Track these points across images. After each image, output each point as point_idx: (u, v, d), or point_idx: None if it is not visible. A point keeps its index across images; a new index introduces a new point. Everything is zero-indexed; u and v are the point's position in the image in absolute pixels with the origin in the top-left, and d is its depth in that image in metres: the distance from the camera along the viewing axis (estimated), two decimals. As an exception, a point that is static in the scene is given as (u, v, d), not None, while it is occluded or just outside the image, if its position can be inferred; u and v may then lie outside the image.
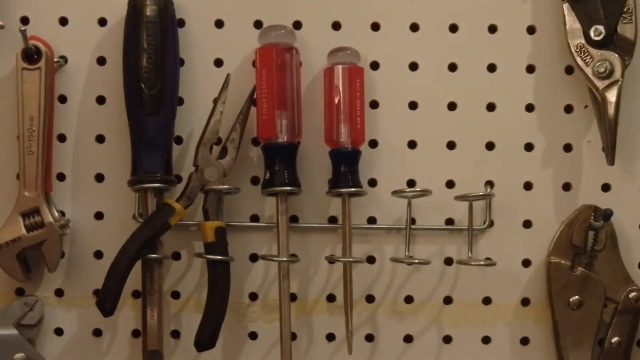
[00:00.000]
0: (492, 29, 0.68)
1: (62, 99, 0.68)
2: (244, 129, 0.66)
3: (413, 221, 0.68)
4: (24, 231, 0.66)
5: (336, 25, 0.68)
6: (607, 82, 0.65)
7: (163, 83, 0.65)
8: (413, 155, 0.69)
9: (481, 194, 0.68)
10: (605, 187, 0.69)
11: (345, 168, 0.66)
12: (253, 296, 0.70)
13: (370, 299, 0.70)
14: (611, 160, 0.66)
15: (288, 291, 0.67)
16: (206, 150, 0.66)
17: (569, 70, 0.68)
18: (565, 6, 0.66)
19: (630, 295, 0.67)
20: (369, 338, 0.70)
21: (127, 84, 0.65)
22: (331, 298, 0.70)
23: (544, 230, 0.69)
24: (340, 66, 0.66)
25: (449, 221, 0.69)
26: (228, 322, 0.67)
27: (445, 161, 0.69)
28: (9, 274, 0.66)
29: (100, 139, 0.69)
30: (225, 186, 0.66)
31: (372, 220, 0.69)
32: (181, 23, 0.68)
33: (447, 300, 0.70)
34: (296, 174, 0.66)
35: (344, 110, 0.66)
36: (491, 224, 0.69)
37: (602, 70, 0.65)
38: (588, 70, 0.65)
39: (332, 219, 0.69)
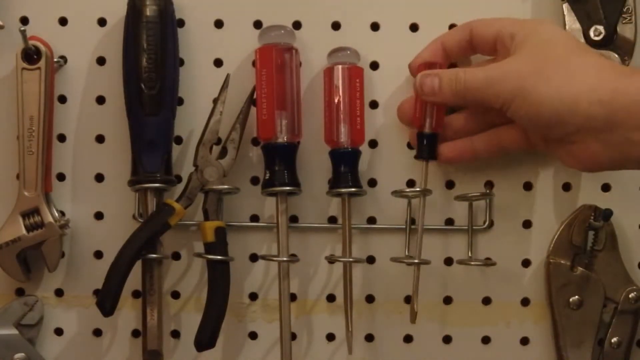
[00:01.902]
0: (492, 29, 0.68)
1: (62, 99, 0.68)
2: (244, 129, 0.66)
3: (413, 221, 0.68)
4: (24, 231, 0.66)
5: (336, 25, 0.68)
6: (607, 82, 0.65)
7: (163, 83, 0.65)
8: (413, 155, 0.68)
9: (481, 193, 0.68)
10: (605, 187, 0.69)
11: (345, 168, 0.66)
12: (253, 296, 0.70)
13: (370, 299, 0.70)
14: (611, 160, 0.66)
15: (288, 291, 0.67)
16: (206, 150, 0.66)
17: (569, 70, 0.68)
18: (565, 6, 0.66)
19: (630, 295, 0.67)
20: (369, 338, 0.70)
21: (127, 84, 0.65)
22: (331, 298, 0.70)
23: (544, 230, 0.69)
24: (340, 66, 0.66)
25: (449, 221, 0.69)
26: (228, 322, 0.67)
27: (445, 161, 0.69)
28: (9, 274, 0.66)
29: (100, 139, 0.69)
30: (225, 186, 0.66)
31: (372, 220, 0.69)
32: (181, 23, 0.68)
33: (447, 300, 0.70)
34: (296, 174, 0.66)
35: (344, 110, 0.66)
36: (491, 224, 0.69)
37: (602, 70, 0.65)
38: (588, 70, 0.65)
39: (332, 219, 0.69)
